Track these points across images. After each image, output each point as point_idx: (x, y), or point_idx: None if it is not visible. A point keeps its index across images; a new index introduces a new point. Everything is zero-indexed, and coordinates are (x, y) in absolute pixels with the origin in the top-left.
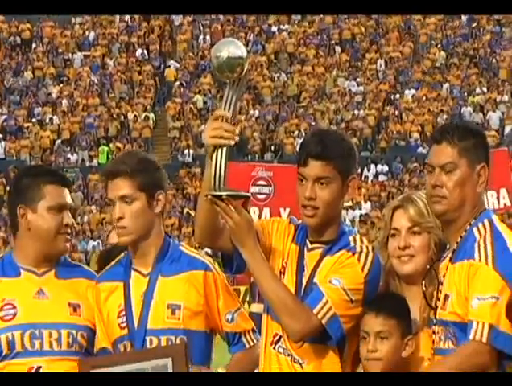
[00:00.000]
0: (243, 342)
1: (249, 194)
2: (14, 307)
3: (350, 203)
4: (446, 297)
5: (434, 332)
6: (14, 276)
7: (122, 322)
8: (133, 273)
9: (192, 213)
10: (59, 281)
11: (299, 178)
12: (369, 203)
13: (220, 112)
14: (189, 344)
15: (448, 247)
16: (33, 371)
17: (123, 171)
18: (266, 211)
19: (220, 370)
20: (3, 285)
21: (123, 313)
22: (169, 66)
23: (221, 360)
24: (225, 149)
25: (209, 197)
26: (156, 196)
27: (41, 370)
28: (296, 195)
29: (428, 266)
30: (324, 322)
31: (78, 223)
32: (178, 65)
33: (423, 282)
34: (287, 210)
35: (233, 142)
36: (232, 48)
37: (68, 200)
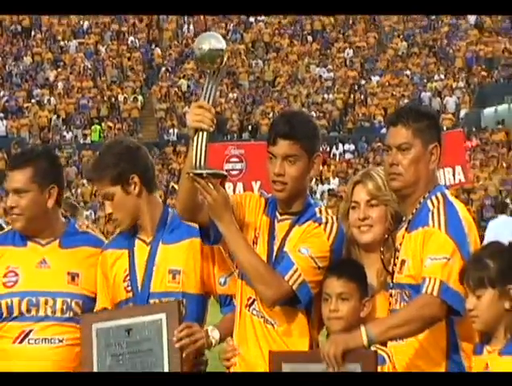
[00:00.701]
0: (233, 304)
1: (226, 173)
2: (17, 275)
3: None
4: (402, 262)
5: (391, 295)
6: (21, 245)
7: (128, 286)
8: (137, 241)
9: (176, 187)
10: (61, 251)
11: (268, 156)
12: (337, 179)
13: (202, 103)
14: (187, 306)
15: (403, 218)
16: (24, 335)
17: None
18: (240, 185)
19: (210, 328)
20: (11, 253)
21: (128, 277)
22: (155, 52)
23: (213, 320)
24: (205, 133)
25: (191, 175)
26: (131, 180)
27: (31, 333)
28: (266, 169)
29: (386, 235)
30: (294, 287)
31: (73, 195)
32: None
33: (381, 250)
34: (258, 183)
35: (211, 129)
36: (213, 42)
37: (12, 184)
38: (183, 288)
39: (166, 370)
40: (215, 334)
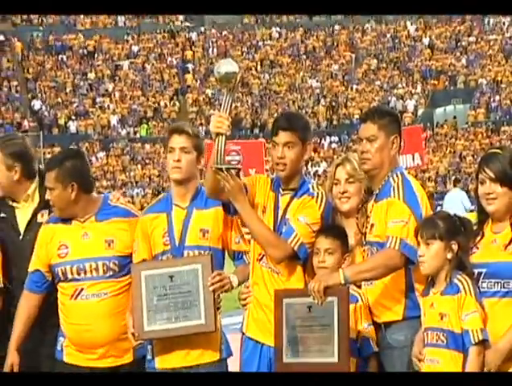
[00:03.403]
0: (244, 259)
1: (240, 166)
2: (67, 247)
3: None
4: (372, 225)
5: (364, 250)
6: (68, 223)
7: (166, 241)
8: (174, 207)
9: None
10: (98, 224)
11: (272, 145)
12: (324, 163)
13: (221, 113)
14: (214, 257)
15: (373, 192)
16: (77, 292)
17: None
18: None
19: (231, 275)
20: (60, 230)
21: (167, 234)
22: (188, 68)
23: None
24: (224, 136)
25: (213, 169)
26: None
27: (83, 291)
28: (257, 159)
29: (360, 205)
30: (295, 248)
31: (127, 177)
32: (193, 68)
33: (357, 216)
34: (254, 170)
35: (228, 133)
36: (228, 66)
37: (45, 183)
38: (210, 243)
39: (202, 307)
40: (235, 280)
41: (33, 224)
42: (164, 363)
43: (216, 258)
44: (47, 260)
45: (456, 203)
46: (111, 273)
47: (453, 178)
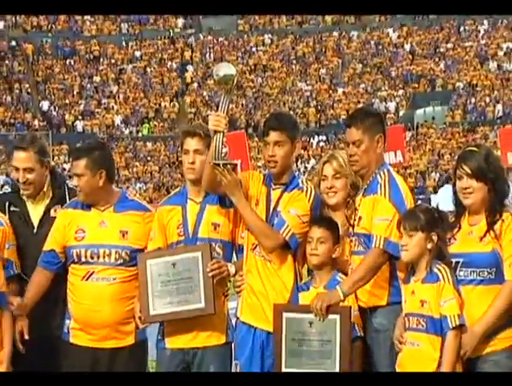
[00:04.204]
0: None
1: (236, 162)
2: (84, 232)
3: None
4: (359, 218)
5: (351, 241)
6: (87, 210)
7: (180, 231)
8: (188, 201)
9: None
10: (115, 214)
11: (264, 144)
12: (313, 160)
13: (219, 112)
14: (224, 249)
15: (360, 187)
16: (88, 274)
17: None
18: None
19: (229, 265)
20: (79, 216)
21: (181, 226)
22: (187, 70)
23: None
24: (221, 134)
25: (211, 164)
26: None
27: (94, 274)
28: (241, 149)
29: (348, 199)
30: (286, 238)
31: (130, 173)
32: (193, 69)
33: (345, 209)
34: (239, 160)
35: (226, 131)
36: (226, 69)
37: (74, 170)
38: (221, 236)
39: (201, 291)
40: (232, 269)
41: (46, 219)
42: (173, 343)
43: (226, 250)
44: (62, 241)
45: (447, 197)
46: (121, 261)
47: (449, 175)
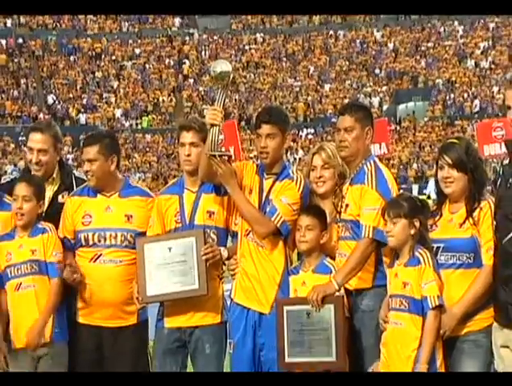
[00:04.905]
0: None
1: (231, 153)
2: (91, 217)
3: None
4: (347, 205)
5: (338, 227)
6: (94, 196)
7: (178, 219)
8: (185, 190)
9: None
10: (120, 200)
11: (256, 136)
12: (301, 151)
13: (215, 107)
14: (218, 235)
15: (347, 176)
16: (96, 257)
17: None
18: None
19: (222, 249)
20: (86, 202)
21: (179, 214)
22: (184, 63)
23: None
24: (217, 126)
25: (208, 155)
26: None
27: (101, 256)
28: (232, 137)
29: (336, 188)
30: (278, 225)
31: (130, 163)
32: (189, 64)
33: (333, 197)
34: (232, 148)
35: (221, 124)
36: (223, 66)
37: (86, 156)
38: (216, 223)
39: (195, 274)
40: (225, 253)
41: (54, 204)
42: (171, 322)
43: (220, 236)
44: (72, 227)
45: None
46: (127, 244)
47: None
